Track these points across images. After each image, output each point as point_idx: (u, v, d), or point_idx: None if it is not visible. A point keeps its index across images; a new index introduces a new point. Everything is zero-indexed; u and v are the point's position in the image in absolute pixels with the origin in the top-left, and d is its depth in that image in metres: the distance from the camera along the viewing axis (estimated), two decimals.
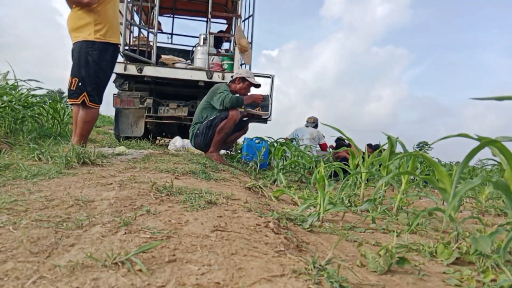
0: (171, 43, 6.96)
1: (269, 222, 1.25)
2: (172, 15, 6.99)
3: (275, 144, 4.39)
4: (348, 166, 2.83)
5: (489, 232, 1.32)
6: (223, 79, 4.75)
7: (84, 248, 0.87)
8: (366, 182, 2.59)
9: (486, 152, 1.31)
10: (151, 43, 4.85)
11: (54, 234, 0.95)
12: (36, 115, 4.10)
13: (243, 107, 5.80)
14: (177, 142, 4.49)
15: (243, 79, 3.75)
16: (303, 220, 1.64)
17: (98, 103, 2.71)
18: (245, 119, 4.03)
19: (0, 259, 0.79)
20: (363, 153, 2.76)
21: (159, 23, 5.53)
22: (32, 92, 4.26)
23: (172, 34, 7.03)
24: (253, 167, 3.93)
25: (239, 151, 4.88)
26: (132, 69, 4.60)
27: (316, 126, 6.18)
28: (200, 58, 5.17)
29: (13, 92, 3.88)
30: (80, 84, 2.62)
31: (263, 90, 7.17)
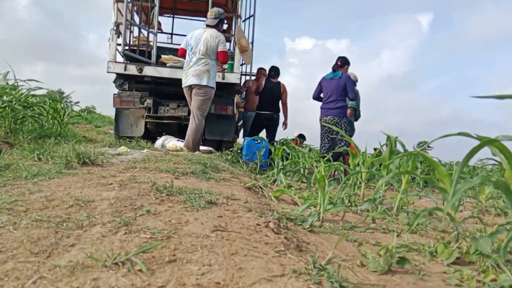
0: (171, 43, 6.96)
1: (269, 222, 1.25)
2: (172, 15, 6.99)
3: (275, 144, 4.39)
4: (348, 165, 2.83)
5: (490, 232, 1.32)
6: (223, 79, 4.74)
7: (84, 248, 0.87)
8: (366, 182, 2.59)
9: (486, 152, 1.31)
10: (151, 43, 4.85)
11: (54, 234, 0.95)
12: (36, 115, 4.11)
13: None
14: (170, 142, 4.42)
15: None
16: (303, 220, 1.64)
17: None
18: None
19: (1, 259, 0.79)
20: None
21: (159, 23, 5.53)
22: (32, 92, 4.26)
23: (172, 34, 7.03)
24: (253, 167, 3.93)
25: (239, 151, 4.88)
26: (132, 69, 4.60)
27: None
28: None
29: (13, 92, 3.88)
30: None
31: None
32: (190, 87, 3.88)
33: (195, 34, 3.94)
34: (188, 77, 3.86)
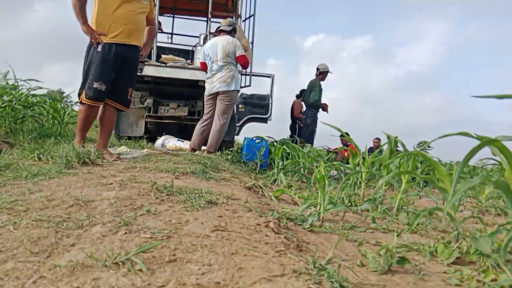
0: (171, 43, 6.95)
1: (269, 222, 1.25)
2: (172, 15, 6.99)
3: (275, 144, 4.40)
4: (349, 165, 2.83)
5: (490, 231, 1.32)
6: None
7: (84, 248, 0.87)
8: (366, 182, 2.59)
9: (487, 152, 1.31)
10: None
11: (55, 234, 0.95)
12: (36, 115, 4.11)
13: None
14: (170, 142, 4.44)
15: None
16: (303, 219, 1.64)
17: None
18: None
19: (1, 259, 0.79)
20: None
21: (159, 23, 5.53)
22: (32, 92, 4.26)
23: (172, 33, 7.03)
24: (253, 167, 3.94)
25: (239, 151, 4.88)
26: None
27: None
28: (200, 58, 5.15)
29: (14, 91, 3.88)
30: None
31: (264, 90, 7.14)
32: (216, 93, 3.93)
33: (210, 43, 4.01)
34: (214, 84, 3.91)
